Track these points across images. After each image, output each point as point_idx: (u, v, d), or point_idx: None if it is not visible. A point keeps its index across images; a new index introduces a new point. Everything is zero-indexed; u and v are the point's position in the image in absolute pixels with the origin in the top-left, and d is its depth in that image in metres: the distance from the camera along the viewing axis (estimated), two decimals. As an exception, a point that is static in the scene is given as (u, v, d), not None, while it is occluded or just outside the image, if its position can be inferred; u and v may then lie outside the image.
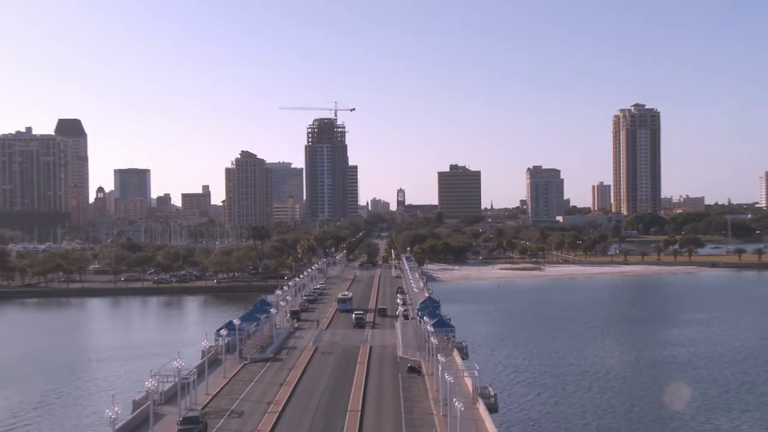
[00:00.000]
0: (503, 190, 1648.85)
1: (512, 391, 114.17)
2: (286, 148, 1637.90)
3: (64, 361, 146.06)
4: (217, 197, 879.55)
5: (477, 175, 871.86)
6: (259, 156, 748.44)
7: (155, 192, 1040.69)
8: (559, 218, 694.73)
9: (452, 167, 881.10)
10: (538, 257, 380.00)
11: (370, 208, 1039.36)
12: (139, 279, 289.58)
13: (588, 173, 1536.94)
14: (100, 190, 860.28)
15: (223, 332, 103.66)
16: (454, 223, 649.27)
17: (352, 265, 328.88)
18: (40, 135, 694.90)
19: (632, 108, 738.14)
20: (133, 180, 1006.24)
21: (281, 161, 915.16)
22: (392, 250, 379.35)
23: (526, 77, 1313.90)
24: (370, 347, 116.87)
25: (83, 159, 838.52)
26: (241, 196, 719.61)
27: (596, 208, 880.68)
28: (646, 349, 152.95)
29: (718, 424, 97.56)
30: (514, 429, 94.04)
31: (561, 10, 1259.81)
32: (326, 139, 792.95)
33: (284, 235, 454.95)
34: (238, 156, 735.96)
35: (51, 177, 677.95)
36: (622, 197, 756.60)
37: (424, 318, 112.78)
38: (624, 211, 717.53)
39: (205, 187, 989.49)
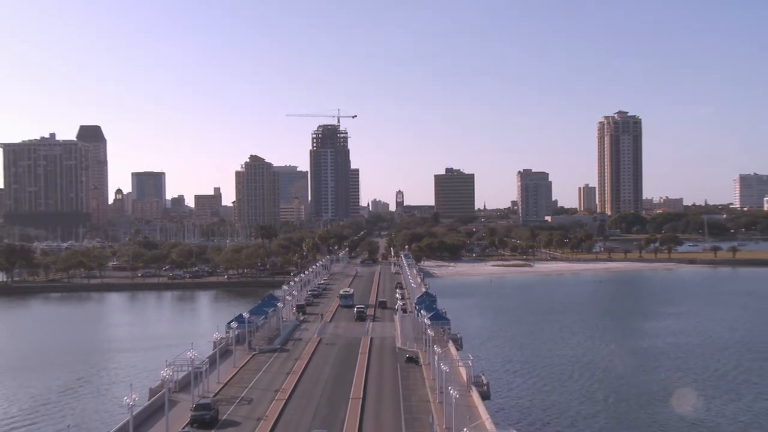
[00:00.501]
0: (495, 192, 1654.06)
1: (504, 379, 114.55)
2: (293, 153, 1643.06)
3: (86, 352, 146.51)
4: (228, 198, 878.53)
5: (471, 177, 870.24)
6: (267, 160, 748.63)
7: (170, 193, 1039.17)
8: (548, 218, 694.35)
9: (448, 170, 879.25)
10: (527, 255, 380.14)
11: (370, 209, 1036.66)
12: (155, 275, 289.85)
13: (574, 176, 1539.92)
14: (119, 191, 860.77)
15: (234, 325, 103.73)
16: (449, 223, 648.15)
17: (354, 262, 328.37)
18: (63, 141, 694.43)
19: (615, 115, 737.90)
20: (150, 182, 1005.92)
21: (288, 165, 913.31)
22: (392, 248, 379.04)
23: (517, 86, 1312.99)
24: (371, 339, 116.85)
25: (103, 163, 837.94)
26: (250, 198, 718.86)
27: (582, 209, 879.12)
28: (628, 340, 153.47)
29: (693, 408, 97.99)
30: (505, 414, 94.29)
31: (552, 21, 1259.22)
32: (330, 144, 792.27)
33: (290, 234, 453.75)
34: (248, 160, 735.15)
35: (73, 180, 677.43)
36: (606, 198, 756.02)
37: (422, 311, 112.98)
38: (608, 211, 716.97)
39: (217, 189, 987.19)
